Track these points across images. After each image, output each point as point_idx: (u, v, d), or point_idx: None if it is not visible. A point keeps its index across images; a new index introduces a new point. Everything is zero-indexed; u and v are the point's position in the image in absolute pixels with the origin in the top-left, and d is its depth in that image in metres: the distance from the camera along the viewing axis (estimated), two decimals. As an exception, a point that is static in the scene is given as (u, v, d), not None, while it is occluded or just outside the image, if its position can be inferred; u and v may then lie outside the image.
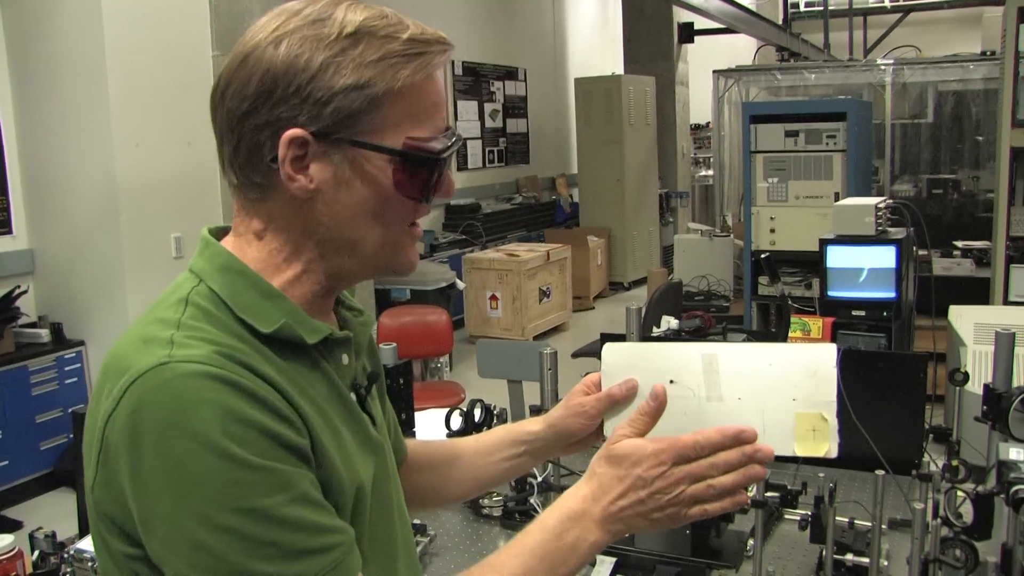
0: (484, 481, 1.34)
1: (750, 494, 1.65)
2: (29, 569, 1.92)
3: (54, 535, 1.94)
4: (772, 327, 5.67)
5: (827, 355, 1.10)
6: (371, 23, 0.93)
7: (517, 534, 1.03)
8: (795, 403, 1.09)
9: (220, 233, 1.03)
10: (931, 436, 2.27)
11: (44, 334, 4.99)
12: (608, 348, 1.22)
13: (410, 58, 0.94)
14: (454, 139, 0.99)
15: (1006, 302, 4.78)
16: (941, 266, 5.78)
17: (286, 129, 0.92)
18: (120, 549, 0.90)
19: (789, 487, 1.65)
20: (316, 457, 0.92)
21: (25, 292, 4.96)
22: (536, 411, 2.20)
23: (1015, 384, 1.91)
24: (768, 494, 1.58)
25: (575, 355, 5.04)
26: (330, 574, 0.87)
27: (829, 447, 1.09)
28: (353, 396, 1.05)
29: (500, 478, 1.34)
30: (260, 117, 0.93)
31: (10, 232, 5.13)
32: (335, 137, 0.93)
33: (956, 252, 6.27)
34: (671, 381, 1.16)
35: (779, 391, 1.10)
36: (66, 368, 4.98)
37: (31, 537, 1.95)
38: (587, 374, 1.24)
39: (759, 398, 1.11)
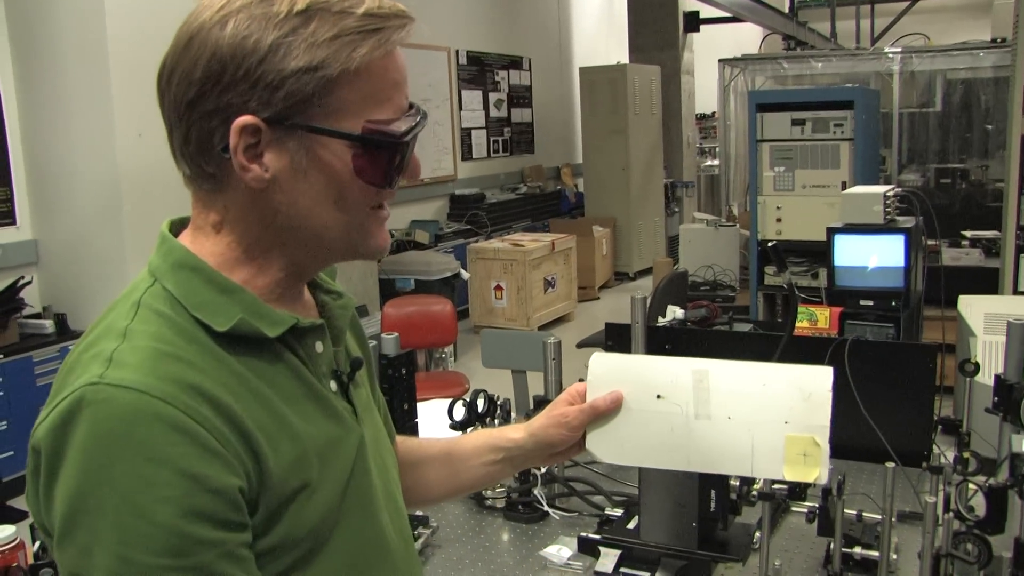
0: (460, 485, 1.31)
1: (757, 487, 1.63)
2: (30, 560, 1.91)
3: (55, 527, 1.93)
4: (778, 317, 5.64)
5: (823, 378, 1.08)
6: None
7: None
8: (787, 426, 1.07)
9: (182, 225, 0.99)
10: (939, 428, 2.25)
11: (48, 325, 4.99)
12: (596, 358, 1.19)
13: (367, 34, 0.88)
14: (419, 118, 0.94)
15: (1015, 292, 4.74)
16: (949, 256, 5.73)
17: (237, 116, 0.87)
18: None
19: (797, 479, 1.62)
20: (261, 479, 0.87)
21: (29, 283, 4.96)
22: (540, 402, 2.18)
23: (1027, 375, 1.88)
24: (775, 486, 1.56)
25: (580, 345, 5.03)
26: None
27: (820, 473, 1.07)
28: (334, 384, 1.01)
29: (477, 484, 1.31)
30: (209, 104, 0.88)
31: (14, 223, 5.12)
32: (289, 123, 0.88)
33: (964, 242, 6.22)
34: (659, 396, 1.14)
35: (771, 413, 1.08)
36: (70, 359, 4.97)
37: (32, 528, 1.93)
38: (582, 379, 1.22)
39: (750, 419, 1.09)
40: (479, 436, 1.30)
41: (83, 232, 5.03)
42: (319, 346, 0.99)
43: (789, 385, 1.08)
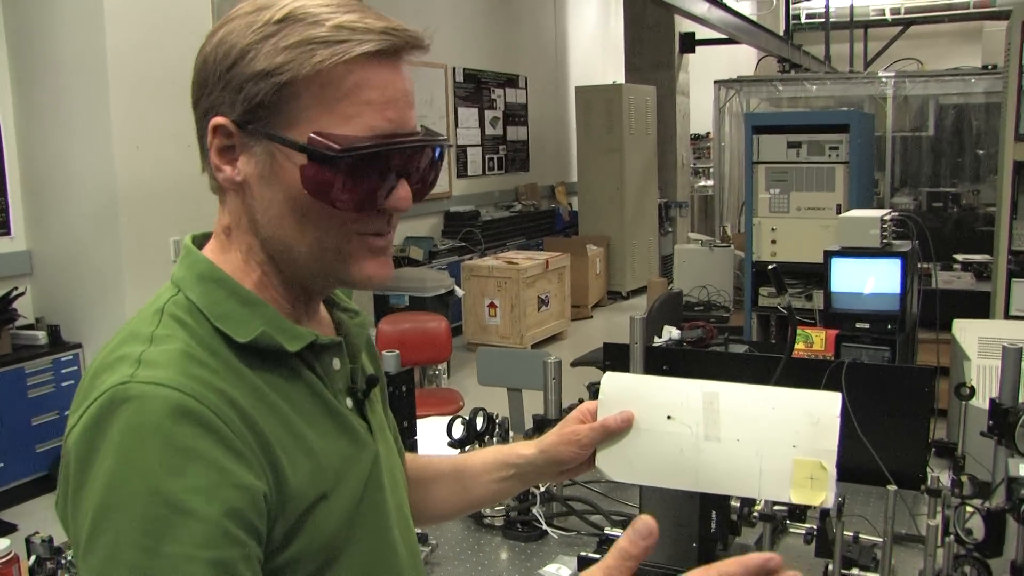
0: (470, 502, 1.31)
1: (758, 508, 1.64)
2: (25, 574, 1.90)
3: (51, 540, 1.92)
4: (772, 338, 5.65)
5: (831, 403, 1.09)
6: (307, 9, 0.89)
7: None
8: (795, 449, 1.08)
9: (204, 240, 1.00)
10: (933, 450, 2.26)
11: (41, 336, 4.97)
12: (608, 378, 1.20)
13: (329, 44, 0.87)
14: (394, 144, 0.90)
15: (1007, 316, 4.76)
16: (941, 279, 5.77)
17: (214, 117, 0.90)
18: None
19: (797, 501, 1.63)
20: (280, 490, 0.87)
21: (23, 294, 4.94)
22: (540, 421, 2.19)
23: (1021, 399, 1.90)
24: (776, 507, 1.57)
25: (574, 364, 5.03)
26: None
27: (826, 497, 1.08)
28: (350, 401, 1.01)
29: (487, 500, 1.31)
30: (200, 107, 0.92)
31: (8, 233, 5.12)
32: (250, 127, 0.89)
33: (956, 266, 6.26)
34: (669, 417, 1.14)
35: (780, 436, 1.09)
36: (63, 371, 4.95)
37: (28, 542, 1.93)
38: (591, 384, 1.23)
39: (758, 441, 1.10)
40: (489, 452, 1.31)
41: (78, 243, 5.02)
42: (336, 363, 1.00)
43: (798, 409, 1.09)
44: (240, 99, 0.89)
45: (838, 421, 1.07)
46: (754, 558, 0.86)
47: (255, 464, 0.85)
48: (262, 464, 0.86)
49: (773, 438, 1.08)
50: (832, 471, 1.07)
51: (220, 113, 0.90)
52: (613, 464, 1.18)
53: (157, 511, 0.79)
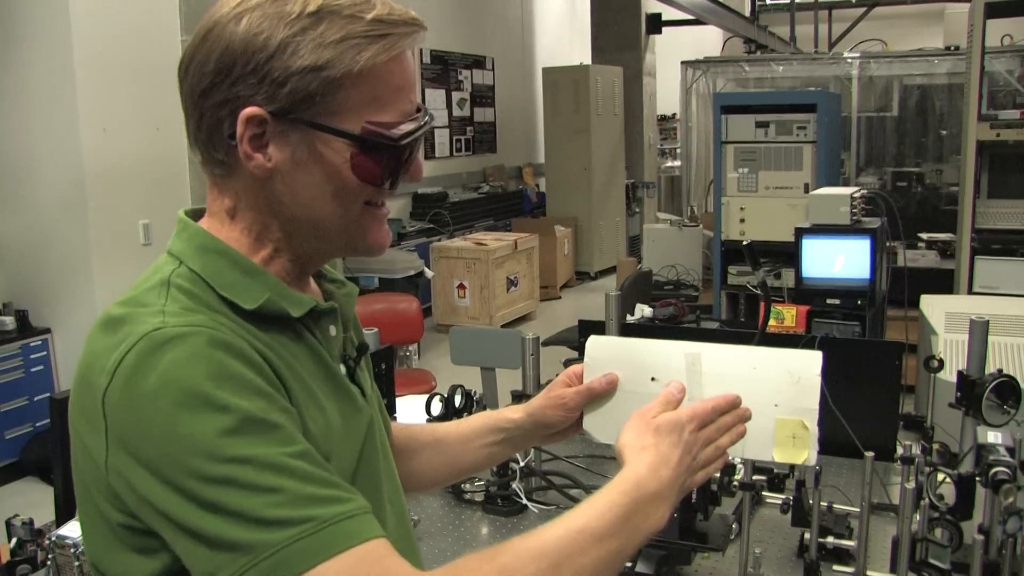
0: (463, 467, 1.34)
1: (738, 477, 1.67)
2: (6, 556, 1.90)
3: (31, 522, 1.91)
4: (741, 316, 5.72)
5: (812, 362, 1.09)
6: (336, 1, 0.92)
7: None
8: (777, 408, 1.09)
9: (196, 214, 1.02)
10: (901, 424, 2.31)
11: (9, 322, 4.92)
12: (593, 341, 1.21)
13: (373, 40, 0.92)
14: (423, 122, 0.98)
15: (970, 293, 4.85)
16: (907, 257, 5.87)
17: (244, 107, 0.91)
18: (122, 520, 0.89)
19: (775, 470, 1.67)
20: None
21: (-11, 278, 4.88)
22: (518, 396, 2.21)
23: (987, 371, 1.94)
24: (755, 477, 1.60)
25: (545, 343, 5.04)
26: (345, 523, 0.83)
27: (808, 455, 1.08)
28: (342, 368, 1.05)
29: (479, 464, 1.34)
30: (219, 95, 0.92)
31: (-27, 218, 5.04)
32: (292, 117, 0.92)
33: (921, 244, 6.36)
34: (652, 378, 1.16)
35: (761, 396, 1.09)
36: (32, 356, 4.91)
37: (8, 524, 1.92)
38: (567, 361, 1.25)
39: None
40: (479, 418, 1.34)
41: (46, 228, 4.96)
42: (332, 329, 1.04)
43: (779, 369, 1.10)
44: (285, 92, 0.90)
45: (819, 380, 1.08)
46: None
47: (287, 399, 0.90)
48: (291, 403, 0.91)
49: (755, 398, 1.09)
50: (814, 429, 1.08)
51: (253, 103, 0.91)
52: (599, 426, 1.20)
53: (228, 425, 0.82)
